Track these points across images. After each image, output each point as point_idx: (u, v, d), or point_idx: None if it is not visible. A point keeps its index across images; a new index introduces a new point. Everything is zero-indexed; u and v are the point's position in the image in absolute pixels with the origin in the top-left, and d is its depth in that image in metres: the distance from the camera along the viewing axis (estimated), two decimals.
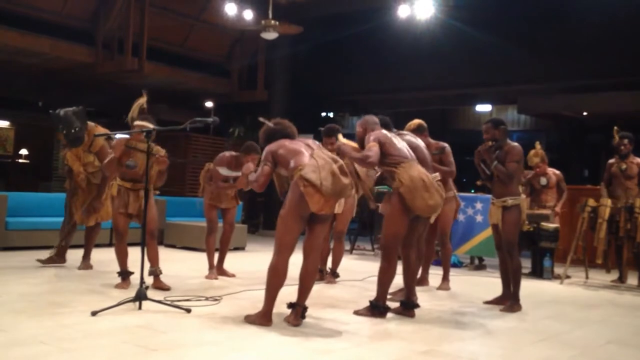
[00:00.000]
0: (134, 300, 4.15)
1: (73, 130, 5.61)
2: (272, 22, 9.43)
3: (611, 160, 6.83)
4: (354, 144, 4.72)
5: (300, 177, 3.79)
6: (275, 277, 3.86)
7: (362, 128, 4.65)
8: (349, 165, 5.01)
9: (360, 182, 4.98)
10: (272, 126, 4.23)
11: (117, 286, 4.95)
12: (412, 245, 4.56)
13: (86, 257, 6.10)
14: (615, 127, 6.87)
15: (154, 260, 5.03)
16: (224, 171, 4.75)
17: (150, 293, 4.36)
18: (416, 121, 5.82)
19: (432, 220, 5.28)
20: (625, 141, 6.69)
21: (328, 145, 5.80)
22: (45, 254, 6.15)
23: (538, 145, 7.45)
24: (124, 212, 4.98)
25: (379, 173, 4.98)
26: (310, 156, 3.91)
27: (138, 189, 5.00)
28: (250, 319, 3.93)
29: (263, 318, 3.88)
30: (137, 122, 4.87)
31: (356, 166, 4.93)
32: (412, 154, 4.50)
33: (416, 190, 4.23)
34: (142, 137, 4.75)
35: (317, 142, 4.20)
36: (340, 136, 4.96)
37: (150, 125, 4.75)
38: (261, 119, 4.30)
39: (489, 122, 5.20)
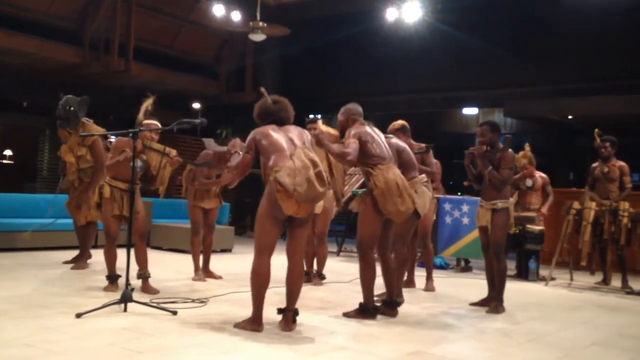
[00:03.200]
0: (119, 302, 4.12)
1: (68, 108, 5.83)
2: (260, 23, 9.43)
3: (594, 164, 6.88)
4: (334, 132, 4.62)
5: (275, 179, 3.70)
6: (258, 280, 3.79)
7: (344, 117, 4.52)
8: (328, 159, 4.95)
9: (333, 179, 4.91)
10: (269, 104, 4.06)
11: (106, 289, 4.92)
12: (387, 246, 4.56)
13: (81, 257, 6.14)
14: (596, 130, 6.88)
15: (143, 263, 4.96)
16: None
17: (136, 295, 4.33)
18: (400, 122, 5.80)
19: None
20: (607, 144, 6.73)
21: (311, 130, 5.84)
22: (29, 256, 6.11)
23: (527, 147, 7.48)
24: (118, 215, 4.89)
25: (362, 180, 4.98)
26: (290, 156, 3.77)
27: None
28: (240, 326, 3.84)
29: (253, 324, 3.80)
30: (146, 121, 4.89)
31: (332, 162, 4.86)
32: (390, 153, 4.45)
33: (390, 194, 4.21)
34: (155, 137, 4.98)
35: (305, 135, 4.03)
36: (320, 123, 4.83)
37: (159, 124, 4.98)
38: (262, 90, 4.13)
39: (485, 124, 5.09)
